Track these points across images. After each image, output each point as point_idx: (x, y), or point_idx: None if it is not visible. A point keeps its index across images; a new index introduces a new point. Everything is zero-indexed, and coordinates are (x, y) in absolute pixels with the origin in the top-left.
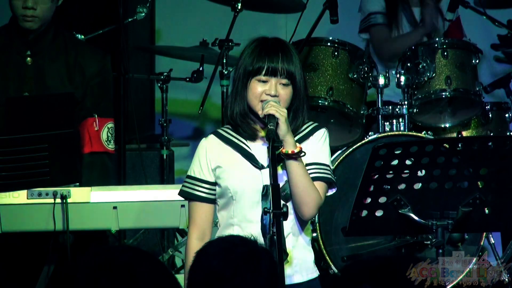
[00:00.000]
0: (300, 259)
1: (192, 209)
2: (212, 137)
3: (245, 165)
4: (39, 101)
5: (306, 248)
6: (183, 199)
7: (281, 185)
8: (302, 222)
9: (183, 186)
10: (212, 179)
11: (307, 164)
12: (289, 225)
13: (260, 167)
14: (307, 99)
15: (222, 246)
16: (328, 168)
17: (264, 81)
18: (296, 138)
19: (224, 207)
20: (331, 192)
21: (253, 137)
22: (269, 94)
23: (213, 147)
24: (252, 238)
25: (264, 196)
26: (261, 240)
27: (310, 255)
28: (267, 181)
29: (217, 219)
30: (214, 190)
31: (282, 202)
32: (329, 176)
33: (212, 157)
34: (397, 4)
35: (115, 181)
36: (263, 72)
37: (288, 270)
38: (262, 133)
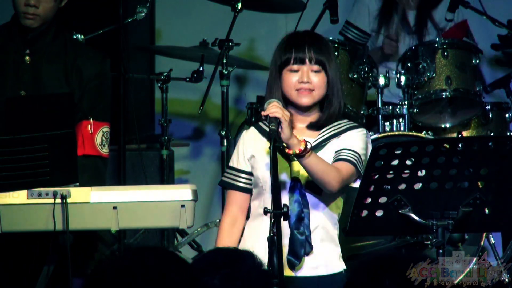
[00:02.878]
0: (325, 252)
1: (229, 197)
2: (252, 129)
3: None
4: (39, 101)
5: (332, 242)
6: (183, 199)
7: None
8: (330, 217)
9: (223, 176)
10: (249, 169)
11: (337, 150)
12: (318, 218)
13: (291, 159)
14: (342, 88)
15: (208, 255)
16: (357, 155)
17: (296, 71)
18: (331, 133)
19: (256, 197)
20: (357, 183)
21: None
22: (302, 82)
23: (250, 138)
24: (233, 248)
25: (292, 188)
26: (286, 232)
27: (336, 250)
28: (295, 175)
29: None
30: (251, 179)
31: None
32: (355, 161)
33: (247, 148)
34: (392, 4)
35: (115, 181)
36: (292, 61)
37: (312, 262)
38: (301, 123)
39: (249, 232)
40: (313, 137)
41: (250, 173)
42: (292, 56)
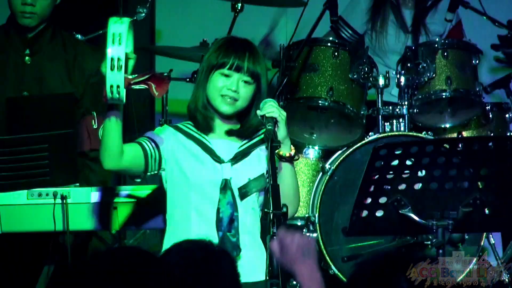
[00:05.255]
0: (252, 259)
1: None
2: (171, 129)
3: (205, 158)
4: (39, 101)
5: (259, 249)
6: None
7: (243, 183)
8: (255, 222)
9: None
10: (160, 145)
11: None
12: (245, 223)
13: (220, 161)
14: None
15: (182, 254)
16: None
17: (226, 76)
18: (255, 140)
19: (179, 198)
20: None
21: (209, 130)
22: (230, 89)
23: (176, 137)
24: (208, 240)
25: (223, 189)
26: (213, 234)
27: (262, 257)
28: (227, 176)
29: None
30: (155, 152)
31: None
32: None
33: (173, 145)
34: (385, 4)
35: (115, 181)
36: (227, 66)
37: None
38: (220, 128)
39: (179, 237)
40: (237, 142)
41: (157, 147)
42: (230, 61)
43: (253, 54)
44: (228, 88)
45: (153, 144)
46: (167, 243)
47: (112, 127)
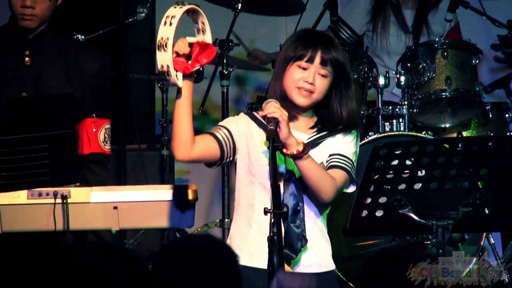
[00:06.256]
0: (319, 249)
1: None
2: (246, 117)
3: None
4: (39, 101)
5: (325, 240)
6: (183, 199)
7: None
8: (321, 214)
9: None
10: (233, 131)
11: (331, 155)
12: (311, 214)
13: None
14: (351, 97)
15: (177, 251)
16: (350, 162)
17: (304, 68)
18: (326, 131)
19: (245, 187)
20: (351, 188)
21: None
22: (306, 82)
23: (249, 125)
24: (209, 235)
25: (286, 181)
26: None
27: (328, 248)
28: (290, 167)
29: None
30: (229, 139)
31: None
32: (349, 169)
33: (246, 132)
34: (385, 4)
35: (115, 181)
36: (305, 59)
37: (307, 260)
38: (294, 119)
39: (242, 226)
40: (307, 134)
41: (231, 134)
42: (307, 54)
43: (330, 47)
44: (305, 80)
45: (225, 131)
46: (233, 230)
47: (180, 115)
